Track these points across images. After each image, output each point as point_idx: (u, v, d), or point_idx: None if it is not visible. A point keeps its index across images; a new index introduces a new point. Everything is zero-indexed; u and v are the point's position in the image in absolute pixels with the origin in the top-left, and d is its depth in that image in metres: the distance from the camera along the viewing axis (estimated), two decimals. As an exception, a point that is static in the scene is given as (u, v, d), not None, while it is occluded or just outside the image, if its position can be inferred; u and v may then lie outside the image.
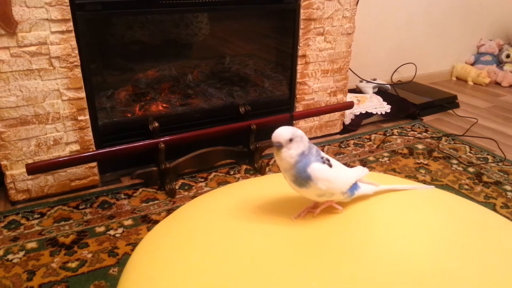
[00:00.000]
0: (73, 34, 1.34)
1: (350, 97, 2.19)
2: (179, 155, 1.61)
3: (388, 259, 0.68)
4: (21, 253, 1.22)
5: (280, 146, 0.70)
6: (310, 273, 0.65)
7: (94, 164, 1.54)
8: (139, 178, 1.57)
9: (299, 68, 1.83)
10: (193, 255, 0.71)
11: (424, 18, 2.75)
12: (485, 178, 1.69)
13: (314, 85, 1.90)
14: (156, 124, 1.56)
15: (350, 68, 2.01)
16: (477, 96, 2.72)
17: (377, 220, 0.77)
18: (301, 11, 1.73)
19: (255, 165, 1.71)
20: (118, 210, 1.44)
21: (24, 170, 1.40)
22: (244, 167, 1.73)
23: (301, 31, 1.76)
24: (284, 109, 1.88)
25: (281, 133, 0.70)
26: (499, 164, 1.81)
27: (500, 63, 3.08)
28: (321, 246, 0.70)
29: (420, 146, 1.96)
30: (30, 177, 1.43)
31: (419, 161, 1.82)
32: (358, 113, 2.15)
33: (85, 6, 1.35)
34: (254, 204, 0.82)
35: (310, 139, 0.74)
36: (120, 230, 1.34)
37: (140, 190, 1.55)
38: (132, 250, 1.24)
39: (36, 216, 1.39)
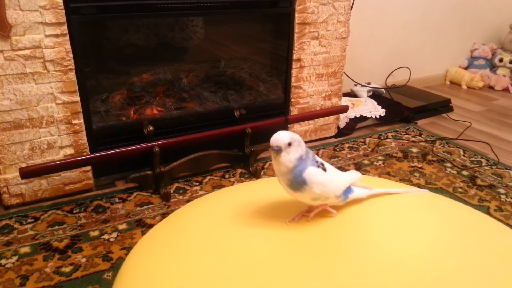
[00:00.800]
0: (67, 37, 1.34)
1: (344, 101, 2.20)
2: (174, 159, 1.61)
3: (382, 262, 0.68)
4: (14, 258, 1.22)
5: (279, 150, 0.70)
6: (305, 277, 0.65)
7: (88, 168, 1.53)
8: (134, 182, 1.56)
9: (294, 72, 1.83)
10: (187, 259, 0.71)
11: (418, 23, 2.77)
12: (479, 182, 1.70)
13: (309, 89, 1.91)
14: (151, 128, 1.56)
15: (344, 72, 2.02)
16: (470, 100, 2.74)
17: (371, 224, 0.78)
18: (296, 15, 1.73)
19: (250, 169, 1.71)
20: (112, 214, 1.43)
21: (18, 174, 1.39)
22: (239, 170, 1.73)
23: (295, 35, 1.77)
24: (279, 112, 1.88)
25: (280, 137, 0.70)
26: (493, 167, 1.82)
27: (493, 67, 3.10)
28: (316, 249, 0.70)
29: (414, 150, 1.97)
30: (23, 181, 1.42)
31: (413, 165, 1.83)
32: (352, 117, 2.16)
33: (80, 9, 1.34)
34: (249, 208, 0.82)
35: (305, 142, 0.74)
36: (114, 234, 1.33)
37: (135, 194, 1.55)
38: (127, 254, 1.24)
39: (29, 220, 1.39)
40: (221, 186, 1.62)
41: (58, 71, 1.36)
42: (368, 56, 2.63)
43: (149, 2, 1.46)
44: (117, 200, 1.51)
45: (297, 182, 0.72)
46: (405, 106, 2.33)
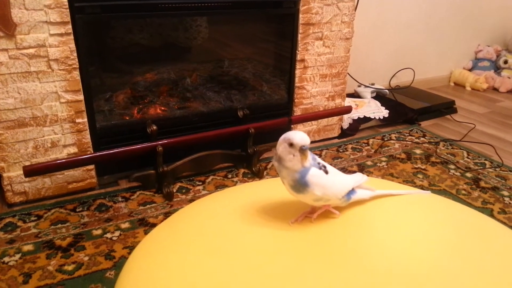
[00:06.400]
0: (72, 36, 1.35)
1: (348, 101, 2.20)
2: (177, 159, 1.61)
3: (385, 263, 0.68)
4: (17, 256, 1.22)
5: (307, 149, 0.70)
6: (307, 278, 0.65)
7: (92, 166, 1.54)
8: (137, 181, 1.57)
9: (297, 72, 1.83)
10: (190, 258, 0.71)
11: (423, 24, 2.76)
12: (482, 184, 1.69)
13: (312, 89, 1.91)
14: (154, 127, 1.56)
15: (348, 73, 2.02)
16: (474, 101, 2.73)
17: (374, 225, 0.78)
18: (300, 15, 1.73)
19: (253, 169, 1.71)
20: (115, 213, 1.43)
21: (21, 172, 1.40)
22: (242, 170, 1.73)
23: (299, 36, 1.77)
24: (283, 113, 1.88)
25: (305, 136, 0.70)
26: (497, 169, 1.81)
27: (497, 69, 3.09)
28: (318, 250, 0.70)
29: (418, 151, 1.96)
30: (27, 179, 1.43)
31: (416, 166, 1.82)
32: (356, 118, 2.15)
33: (84, 9, 1.35)
34: (252, 208, 0.82)
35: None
36: (117, 233, 1.33)
37: (138, 193, 1.55)
38: (129, 253, 1.24)
39: (33, 218, 1.39)
40: (224, 186, 1.62)
41: (62, 70, 1.37)
42: (372, 57, 2.63)
43: (153, 2, 1.46)
44: (120, 199, 1.51)
45: (300, 184, 0.72)
46: (409, 107, 2.33)
